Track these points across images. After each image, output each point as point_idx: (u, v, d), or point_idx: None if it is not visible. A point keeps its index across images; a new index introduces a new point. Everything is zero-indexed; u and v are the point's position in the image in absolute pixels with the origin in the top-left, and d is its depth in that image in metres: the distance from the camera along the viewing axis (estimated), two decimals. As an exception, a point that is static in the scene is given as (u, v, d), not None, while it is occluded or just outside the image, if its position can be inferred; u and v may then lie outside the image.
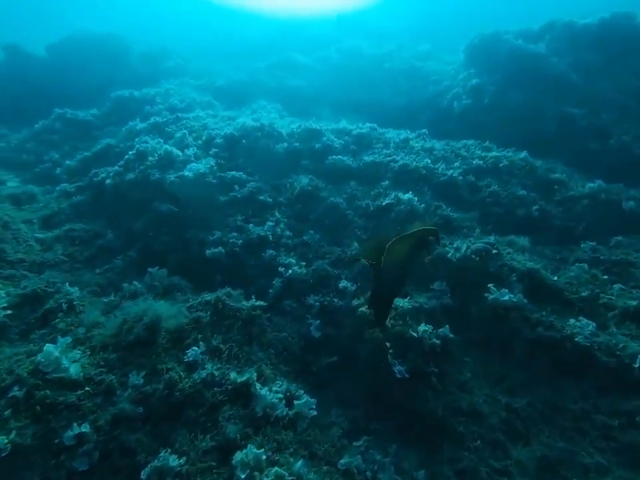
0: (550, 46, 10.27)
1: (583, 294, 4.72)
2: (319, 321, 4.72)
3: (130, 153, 6.99)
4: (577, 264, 5.26)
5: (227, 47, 21.80)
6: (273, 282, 5.07)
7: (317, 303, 4.87)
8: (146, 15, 36.41)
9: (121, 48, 16.21)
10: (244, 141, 7.27)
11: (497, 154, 7.27)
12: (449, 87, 11.30)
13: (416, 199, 5.90)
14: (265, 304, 4.67)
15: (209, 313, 4.29)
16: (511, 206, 6.38)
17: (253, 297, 4.66)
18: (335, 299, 4.92)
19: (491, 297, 4.51)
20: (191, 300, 4.64)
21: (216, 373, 3.68)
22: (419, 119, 11.09)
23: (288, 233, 5.74)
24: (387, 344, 4.23)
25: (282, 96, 12.90)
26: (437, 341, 4.18)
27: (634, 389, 3.69)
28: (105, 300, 5.07)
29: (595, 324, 4.16)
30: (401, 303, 4.59)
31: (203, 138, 7.40)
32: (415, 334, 4.21)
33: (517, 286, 4.71)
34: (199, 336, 4.05)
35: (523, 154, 7.38)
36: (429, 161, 6.87)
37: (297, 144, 7.66)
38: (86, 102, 12.45)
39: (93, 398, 3.54)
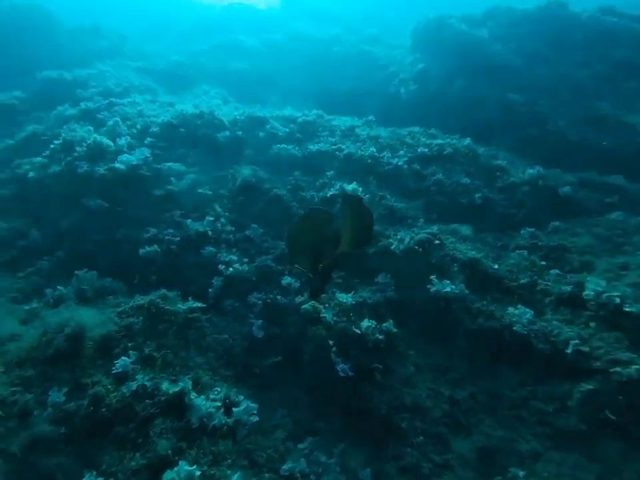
0: (493, 32, 10.41)
1: (522, 281, 4.82)
2: (261, 321, 4.54)
3: (55, 142, 6.39)
4: (517, 251, 5.38)
5: (171, 28, 20.60)
6: (213, 281, 4.81)
7: (260, 302, 4.68)
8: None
9: (47, 22, 14.78)
10: (182, 129, 6.84)
11: (442, 141, 7.29)
12: (396, 72, 11.23)
13: (360, 189, 5.79)
14: (204, 305, 4.42)
15: (141, 318, 4.00)
16: (454, 194, 6.43)
17: (190, 298, 4.40)
18: (278, 297, 4.75)
19: (433, 288, 4.50)
20: (122, 304, 4.31)
21: (148, 384, 3.42)
22: (367, 105, 10.97)
23: (229, 227, 5.47)
24: (330, 342, 4.13)
25: (226, 80, 12.36)
26: (381, 337, 4.12)
27: (567, 374, 3.80)
28: (27, 308, 4.65)
29: (532, 312, 4.25)
30: (344, 298, 4.49)
31: (138, 126, 6.90)
32: (358, 330, 4.13)
33: (459, 276, 4.73)
34: (130, 344, 3.76)
35: (467, 141, 7.45)
36: (374, 150, 6.78)
37: (240, 132, 7.33)
38: (6, 82, 11.31)
39: (4, 422, 3.20)
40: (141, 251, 4.96)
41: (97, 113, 7.83)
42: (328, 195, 5.94)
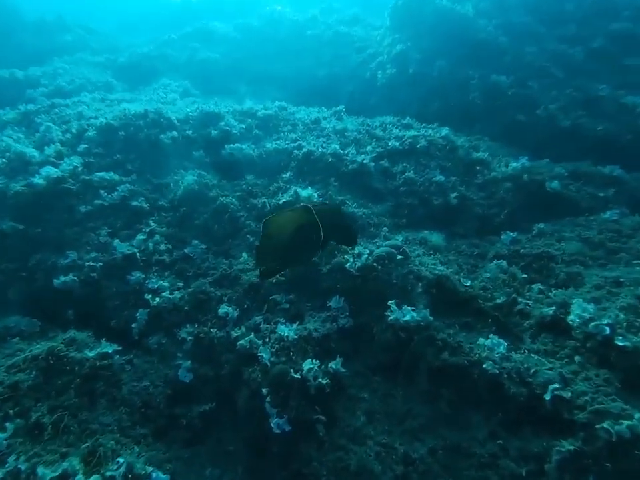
0: (478, 6, 9.47)
1: (498, 300, 4.11)
2: (189, 361, 3.88)
3: (-25, 153, 5.68)
4: (494, 261, 4.65)
5: (150, 19, 19.66)
6: (137, 314, 4.14)
7: (191, 337, 4.01)
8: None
9: (7, 16, 13.96)
10: (122, 132, 6.09)
11: (416, 133, 6.50)
12: (373, 54, 10.36)
13: (316, 194, 5.05)
14: (119, 348, 3.76)
15: (33, 373, 3.34)
16: (427, 194, 5.68)
17: (104, 339, 3.74)
18: (212, 329, 4.07)
19: (391, 316, 3.81)
20: (25, 350, 3.66)
21: (22, 467, 2.78)
22: (342, 91, 10.16)
23: (164, 246, 4.77)
24: (264, 390, 3.47)
25: (193, 71, 11.53)
26: (325, 381, 3.45)
27: (545, 424, 3.12)
28: None
29: (506, 343, 3.55)
30: (286, 331, 3.81)
31: (73, 130, 6.15)
32: (297, 375, 3.45)
33: (423, 299, 4.03)
34: (12, 410, 3.11)
35: (444, 131, 6.66)
36: (337, 146, 6.01)
37: (190, 131, 6.57)
38: None
39: None
40: (55, 281, 4.29)
41: (35, 116, 7.09)
42: (280, 202, 5.21)
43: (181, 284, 4.49)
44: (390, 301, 3.89)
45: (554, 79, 7.69)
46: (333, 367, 3.54)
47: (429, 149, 6.30)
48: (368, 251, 4.40)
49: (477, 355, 3.52)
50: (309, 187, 5.17)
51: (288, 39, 12.17)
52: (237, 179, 5.93)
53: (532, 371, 3.34)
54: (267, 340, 3.85)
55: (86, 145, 5.82)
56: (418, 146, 6.27)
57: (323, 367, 3.54)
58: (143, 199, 5.25)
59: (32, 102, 8.11)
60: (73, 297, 4.31)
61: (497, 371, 3.36)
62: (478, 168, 6.12)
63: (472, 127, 7.81)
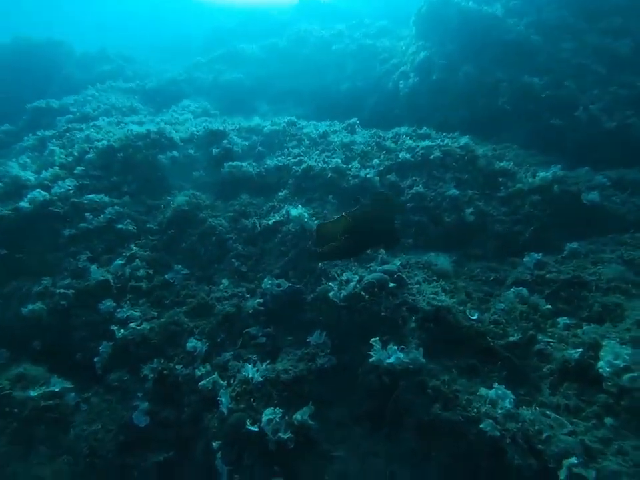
0: (508, 5, 8.73)
1: (512, 338, 3.38)
2: (147, 403, 3.46)
3: (-16, 179, 5.77)
4: (513, 289, 3.91)
5: (183, 43, 20.49)
6: (100, 347, 3.81)
7: (153, 375, 3.60)
8: (106, 16, 34.79)
9: (58, 54, 15.00)
10: (120, 154, 5.98)
11: (430, 143, 5.88)
12: (396, 64, 9.84)
13: (306, 214, 4.56)
14: (71, 386, 3.43)
15: (-30, 413, 3.06)
16: (438, 211, 5.01)
17: (54, 376, 3.43)
18: (178, 366, 3.65)
19: (373, 357, 3.20)
20: (-20, 385, 3.41)
21: None
22: (364, 105, 9.68)
23: (142, 272, 4.46)
24: (214, 444, 2.96)
25: (217, 92, 11.58)
26: (287, 435, 2.89)
27: (562, 512, 2.37)
28: None
29: (512, 397, 2.82)
30: (251, 372, 3.30)
31: (75, 153, 6.12)
32: (254, 427, 2.92)
33: (417, 335, 3.38)
34: (-63, 457, 2.82)
35: (464, 140, 5.98)
36: (340, 160, 5.51)
37: (192, 150, 6.36)
38: (17, 117, 11.27)
39: None
40: (23, 309, 4.07)
41: (49, 140, 7.22)
42: (270, 223, 4.77)
43: (155, 313, 4.14)
44: (373, 339, 3.29)
45: (595, 76, 6.77)
46: (299, 418, 2.98)
47: (444, 160, 5.64)
48: (357, 278, 3.84)
49: (475, 410, 2.81)
50: (299, 206, 4.68)
51: (312, 55, 11.98)
52: (233, 198, 5.59)
53: (544, 435, 2.59)
54: (232, 381, 3.36)
55: (83, 168, 5.73)
56: (431, 157, 5.64)
57: (287, 417, 2.99)
58: (129, 221, 5.02)
59: (54, 128, 8.36)
60: (41, 326, 4.07)
61: (498, 433, 2.64)
62: (501, 179, 5.36)
63: (500, 134, 7.03)
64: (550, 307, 3.69)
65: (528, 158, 6.15)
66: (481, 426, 2.69)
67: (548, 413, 2.75)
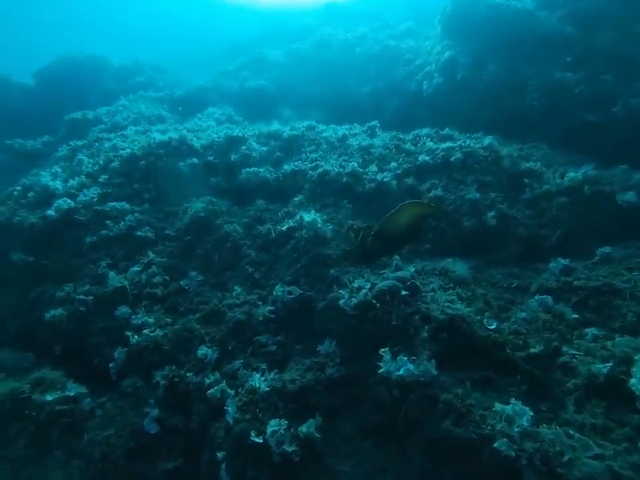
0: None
1: (534, 349, 3.17)
2: (157, 410, 3.47)
3: (16, 187, 6.07)
4: (537, 297, 3.68)
5: (211, 49, 20.97)
6: (115, 353, 3.87)
7: (164, 382, 3.61)
8: (139, 27, 36.05)
9: (98, 68, 15.67)
10: (143, 162, 6.12)
11: (451, 144, 5.68)
12: (421, 65, 9.63)
13: (319, 220, 4.48)
14: (85, 391, 3.49)
15: (-12, 417, 3.16)
16: (457, 215, 4.82)
17: (70, 381, 3.50)
18: (189, 373, 3.65)
19: (382, 368, 3.07)
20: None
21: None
22: (386, 107, 9.53)
23: (158, 279, 4.52)
24: (219, 454, 2.92)
25: (242, 98, 11.72)
26: (292, 448, 2.82)
27: None
28: None
29: (531, 413, 2.63)
30: (258, 382, 3.25)
31: (101, 162, 6.32)
32: (259, 439, 2.86)
33: (428, 347, 3.22)
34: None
35: (488, 140, 5.74)
36: (356, 164, 5.41)
37: (212, 157, 6.43)
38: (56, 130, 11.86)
39: None
40: (46, 315, 4.20)
41: (79, 150, 7.51)
42: (284, 229, 4.73)
43: (169, 319, 4.17)
44: (383, 349, 3.16)
45: (637, 68, 6.33)
46: (304, 430, 2.89)
47: (465, 162, 5.43)
48: (369, 285, 3.72)
49: (490, 427, 2.64)
50: (312, 212, 4.60)
51: (335, 59, 11.92)
52: (250, 204, 5.59)
53: (566, 458, 2.39)
54: (240, 390, 3.32)
55: (107, 176, 5.90)
56: (452, 159, 5.44)
57: (292, 429, 2.91)
58: (148, 228, 5.11)
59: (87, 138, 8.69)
60: (61, 332, 4.19)
61: (514, 454, 2.46)
62: (526, 181, 5.10)
63: (528, 134, 6.69)
64: (577, 316, 3.45)
65: (558, 158, 5.82)
66: (495, 445, 2.51)
67: (571, 432, 2.54)
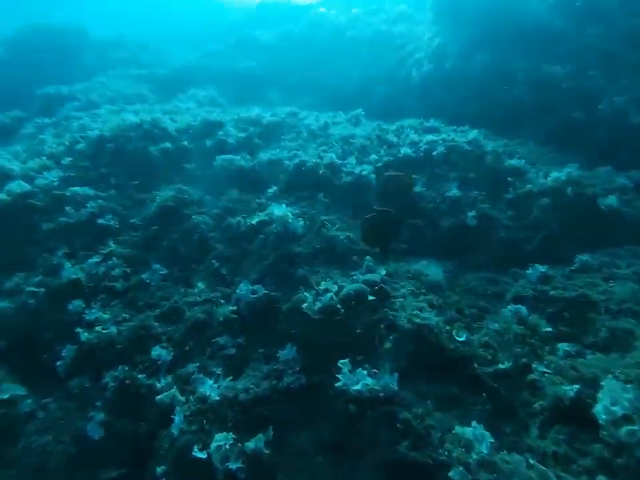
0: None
1: (502, 365, 3.01)
2: (103, 414, 3.26)
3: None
4: (511, 306, 3.50)
5: (203, 33, 20.21)
6: (64, 351, 3.64)
7: (113, 383, 3.40)
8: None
9: (76, 40, 14.95)
10: (110, 144, 5.78)
11: (434, 137, 5.43)
12: (411, 52, 9.28)
13: (290, 215, 4.23)
14: (23, 393, 3.26)
15: None
16: (438, 213, 4.60)
17: (9, 381, 3.27)
18: (140, 375, 3.43)
19: (339, 381, 2.88)
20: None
21: None
22: (376, 94, 9.20)
23: (118, 271, 4.26)
24: (159, 469, 2.73)
25: (229, 80, 11.27)
26: (236, 465, 2.63)
27: None
28: None
29: (491, 440, 2.46)
30: (209, 390, 3.04)
31: (66, 142, 5.97)
32: (202, 454, 2.67)
33: (391, 359, 3.04)
34: None
35: (473, 134, 5.52)
36: (335, 155, 5.15)
37: (186, 142, 6.12)
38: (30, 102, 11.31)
39: None
40: (-9, 308, 3.94)
41: (46, 129, 7.12)
42: (254, 223, 4.48)
43: (127, 315, 3.93)
44: (342, 360, 2.97)
45: (624, 64, 6.11)
46: (252, 446, 2.70)
47: (448, 157, 5.21)
48: (336, 288, 3.51)
49: (447, 453, 2.47)
50: (284, 205, 4.34)
51: (326, 42, 11.51)
52: (223, 194, 5.32)
53: (524, 490, 2.23)
54: (191, 397, 3.11)
55: (71, 158, 5.56)
56: (434, 153, 5.20)
57: (239, 444, 2.72)
58: (112, 216, 4.82)
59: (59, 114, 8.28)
60: (7, 325, 3.93)
61: (471, 483, 2.30)
62: (510, 179, 4.89)
63: (517, 128, 6.48)
64: (550, 329, 3.28)
65: (543, 155, 5.63)
66: (450, 474, 2.34)
67: (532, 462, 2.38)
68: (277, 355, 3.35)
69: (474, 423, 2.56)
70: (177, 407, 3.01)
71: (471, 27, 7.89)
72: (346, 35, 11.26)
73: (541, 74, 6.56)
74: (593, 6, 6.89)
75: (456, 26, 8.21)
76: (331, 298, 3.39)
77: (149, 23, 23.54)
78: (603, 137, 5.78)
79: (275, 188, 5.04)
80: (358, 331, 3.21)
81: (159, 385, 3.30)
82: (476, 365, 3.03)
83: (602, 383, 2.48)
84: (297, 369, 3.24)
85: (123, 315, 3.95)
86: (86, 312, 3.87)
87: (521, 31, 7.17)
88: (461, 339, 3.17)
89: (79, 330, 3.68)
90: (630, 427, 2.17)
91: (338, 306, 3.34)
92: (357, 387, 2.79)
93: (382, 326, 3.21)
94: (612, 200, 4.30)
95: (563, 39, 6.81)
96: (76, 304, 3.92)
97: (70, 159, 5.56)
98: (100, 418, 3.23)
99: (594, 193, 4.42)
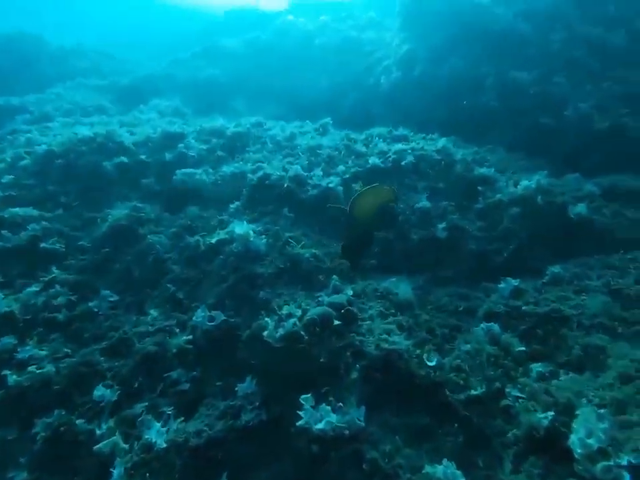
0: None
1: (475, 391, 2.81)
2: (26, 473, 2.89)
3: None
4: (483, 324, 3.32)
5: (170, 42, 19.85)
6: (-7, 396, 3.25)
7: (44, 433, 3.03)
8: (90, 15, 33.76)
9: (32, 48, 14.31)
10: (60, 160, 5.40)
11: (403, 146, 5.28)
12: (380, 59, 9.21)
13: (252, 233, 3.97)
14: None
15: None
16: (407, 225, 4.43)
17: None
18: (78, 420, 3.08)
19: (302, 419, 2.62)
20: None
21: None
22: (345, 102, 9.07)
23: (63, 299, 3.90)
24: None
25: (194, 89, 10.96)
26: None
27: None
28: None
29: (462, 479, 2.25)
30: (155, 436, 2.73)
31: (8, 159, 5.55)
32: (146, 513, 2.36)
33: (358, 390, 2.80)
34: None
35: (442, 142, 5.39)
36: (300, 167, 4.92)
37: (144, 156, 5.77)
38: None
39: None
40: None
41: (-8, 145, 6.64)
42: (214, 242, 4.19)
43: (69, 350, 3.57)
44: (304, 395, 2.71)
45: (587, 71, 6.14)
46: (202, 499, 2.41)
47: (417, 167, 5.06)
48: (300, 312, 3.26)
49: (417, 497, 2.24)
50: (245, 222, 4.08)
51: (294, 50, 11.34)
52: (182, 210, 5.01)
53: (500, 538, 2.02)
54: (136, 445, 2.80)
55: (12, 176, 5.15)
56: (403, 163, 5.04)
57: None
58: (57, 238, 4.45)
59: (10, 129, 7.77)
60: None
61: (442, 534, 2.07)
62: (480, 188, 4.76)
63: (486, 134, 6.43)
64: (524, 348, 3.12)
65: (513, 162, 5.55)
66: (420, 522, 2.12)
67: (506, 502, 2.18)
68: (236, 389, 3.08)
69: (445, 461, 2.34)
70: (119, 458, 2.69)
71: (439, 33, 7.86)
72: (314, 42, 11.12)
73: (509, 80, 6.53)
74: (554, 12, 6.92)
75: (423, 32, 8.16)
76: (294, 324, 3.13)
77: (117, 32, 23.03)
78: (569, 143, 5.76)
79: (237, 203, 4.78)
80: (322, 360, 2.96)
81: (98, 432, 2.96)
82: (447, 392, 2.83)
83: (577, 412, 2.30)
84: (257, 404, 2.97)
85: (65, 349, 3.59)
86: (18, 349, 3.49)
87: (489, 36, 7.15)
88: (431, 364, 2.97)
89: (6, 372, 3.30)
90: (605, 463, 1.99)
91: (302, 332, 3.08)
92: (320, 426, 2.54)
93: (348, 353, 2.98)
94: (581, 208, 4.21)
95: (528, 45, 6.82)
96: (5, 341, 3.52)
97: (11, 176, 5.15)
98: (22, 478, 2.85)
99: (563, 201, 4.33)
